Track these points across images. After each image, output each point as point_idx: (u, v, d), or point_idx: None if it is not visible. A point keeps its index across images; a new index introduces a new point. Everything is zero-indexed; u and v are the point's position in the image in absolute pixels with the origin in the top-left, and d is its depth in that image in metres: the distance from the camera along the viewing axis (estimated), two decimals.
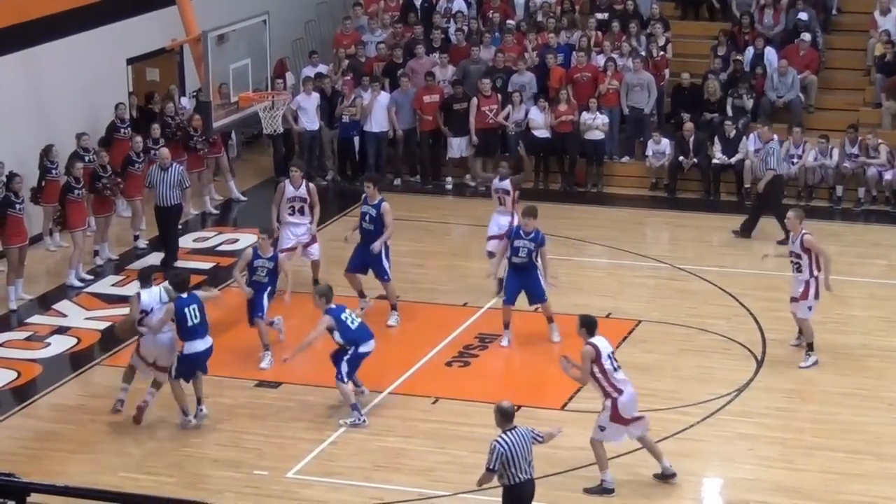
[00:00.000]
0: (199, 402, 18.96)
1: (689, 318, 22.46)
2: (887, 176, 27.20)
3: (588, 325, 17.40)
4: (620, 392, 17.06)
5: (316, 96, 28.72)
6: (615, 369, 17.12)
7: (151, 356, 19.18)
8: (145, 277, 19.80)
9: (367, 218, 22.07)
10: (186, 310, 18.60)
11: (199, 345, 18.77)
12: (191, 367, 18.78)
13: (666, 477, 17.47)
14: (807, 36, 29.11)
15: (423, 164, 29.40)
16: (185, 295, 18.78)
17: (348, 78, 29.14)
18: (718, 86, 28.71)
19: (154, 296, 19.29)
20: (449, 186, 29.08)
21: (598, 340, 17.23)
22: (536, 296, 21.34)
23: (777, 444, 18.43)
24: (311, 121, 28.72)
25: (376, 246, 21.80)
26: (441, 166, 29.38)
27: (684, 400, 19.65)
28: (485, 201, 26.36)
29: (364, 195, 22.36)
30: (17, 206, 23.24)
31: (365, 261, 22.11)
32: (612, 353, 17.29)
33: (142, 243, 25.43)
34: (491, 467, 15.03)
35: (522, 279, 21.21)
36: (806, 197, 27.72)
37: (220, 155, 27.63)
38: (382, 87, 29.09)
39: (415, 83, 29.19)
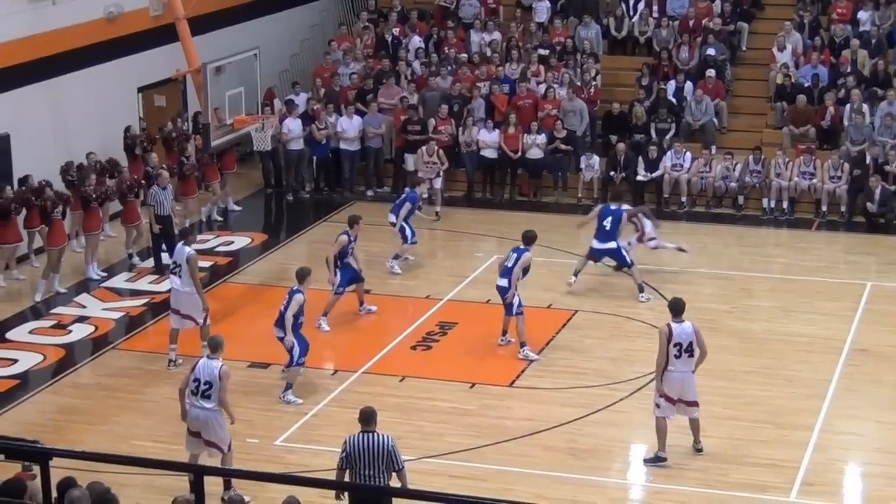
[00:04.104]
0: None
1: (617, 308, 22.47)
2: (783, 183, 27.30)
3: (671, 307, 17.23)
4: (669, 371, 16.90)
5: (299, 121, 28.61)
6: (676, 356, 16.85)
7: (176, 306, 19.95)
8: (183, 235, 20.65)
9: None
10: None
11: None
12: None
13: (658, 460, 17.27)
14: (711, 71, 29.18)
15: (394, 176, 29.29)
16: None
17: (319, 106, 28.91)
18: (643, 111, 28.75)
19: (181, 254, 19.92)
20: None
21: (675, 324, 16.97)
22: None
23: None
24: (296, 141, 28.61)
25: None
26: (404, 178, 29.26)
27: (613, 378, 19.68)
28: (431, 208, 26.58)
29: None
30: (58, 212, 23.13)
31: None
32: (689, 343, 16.87)
33: (136, 260, 25.02)
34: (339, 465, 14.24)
35: None
36: (714, 205, 27.80)
37: (217, 181, 27.36)
38: (356, 112, 29.01)
39: (383, 109, 29.15)
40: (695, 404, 17.21)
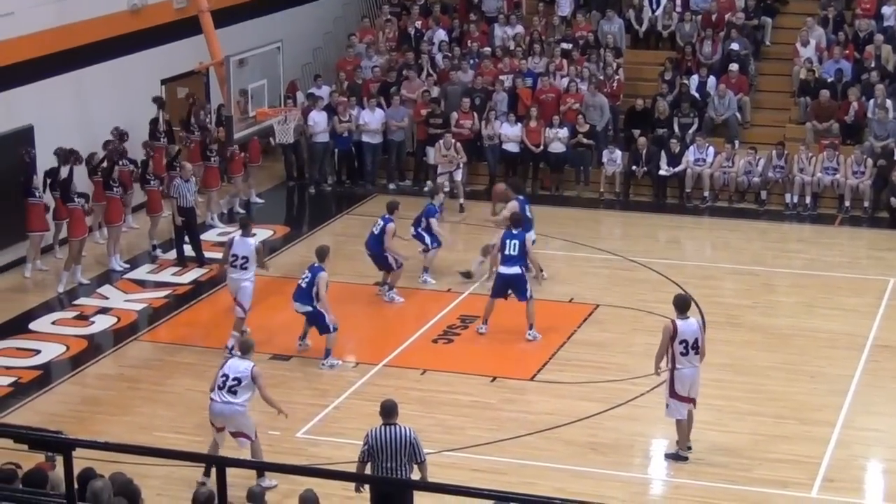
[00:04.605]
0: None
1: (639, 302, 22.41)
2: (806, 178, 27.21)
3: (675, 304, 17.13)
4: (678, 368, 16.81)
5: (324, 114, 28.61)
6: (683, 353, 16.75)
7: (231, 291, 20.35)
8: (245, 226, 20.76)
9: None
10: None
11: None
12: None
13: (678, 458, 17.24)
14: (735, 66, 29.08)
15: (415, 169, 29.29)
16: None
17: (344, 99, 28.94)
18: (666, 106, 28.68)
19: (248, 246, 20.24)
20: (427, 189, 28.66)
21: (680, 320, 16.88)
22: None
23: (714, 409, 18.38)
24: (321, 134, 28.61)
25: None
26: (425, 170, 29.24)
27: (634, 372, 19.61)
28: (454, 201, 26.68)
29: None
30: (80, 203, 23.18)
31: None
32: (695, 340, 16.77)
33: (158, 252, 25.07)
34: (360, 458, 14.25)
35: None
36: (737, 200, 27.72)
37: (240, 174, 27.36)
38: (378, 105, 29.01)
39: (405, 102, 29.14)
40: (693, 401, 17.16)
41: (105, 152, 24.60)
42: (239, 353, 16.49)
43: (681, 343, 16.79)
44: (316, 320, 19.87)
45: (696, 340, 16.86)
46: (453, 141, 27.45)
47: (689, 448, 17.27)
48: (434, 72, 30.19)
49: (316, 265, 19.80)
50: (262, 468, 15.91)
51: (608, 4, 31.33)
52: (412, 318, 21.92)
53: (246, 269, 20.30)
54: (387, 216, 22.26)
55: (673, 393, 16.96)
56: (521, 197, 22.98)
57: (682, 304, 17.14)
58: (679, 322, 16.89)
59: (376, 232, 22.25)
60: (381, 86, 29.77)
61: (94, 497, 11.01)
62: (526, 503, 8.63)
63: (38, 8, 24.26)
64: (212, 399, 16.22)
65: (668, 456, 17.30)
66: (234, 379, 16.06)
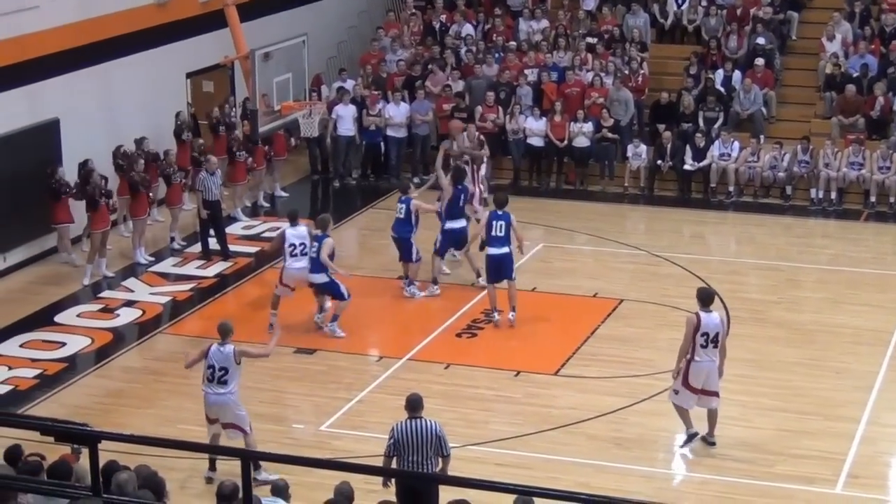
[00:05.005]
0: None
1: (664, 297, 22.37)
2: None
3: (700, 296, 17.14)
4: (696, 361, 16.83)
5: (352, 107, 28.63)
6: (703, 346, 16.77)
7: (292, 282, 20.60)
8: (293, 217, 21.00)
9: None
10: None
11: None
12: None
13: (691, 438, 17.32)
14: (760, 60, 29.00)
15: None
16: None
17: (374, 92, 29.03)
18: (692, 100, 28.61)
19: (302, 233, 20.54)
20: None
21: (704, 313, 16.90)
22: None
23: (738, 405, 18.34)
24: (347, 128, 28.63)
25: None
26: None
27: (659, 367, 19.51)
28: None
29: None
30: (104, 200, 23.23)
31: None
32: (717, 334, 16.79)
33: (176, 244, 25.09)
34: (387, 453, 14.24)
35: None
36: (762, 195, 27.64)
37: (262, 168, 27.38)
38: (402, 99, 29.02)
39: (429, 96, 29.14)
40: (715, 394, 17.14)
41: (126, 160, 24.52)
42: (219, 339, 16.26)
43: (702, 335, 16.80)
44: (331, 288, 20.39)
45: (717, 334, 16.85)
46: (477, 133, 27.38)
47: (713, 443, 17.27)
48: (458, 66, 30.16)
49: (320, 234, 20.36)
50: (285, 462, 15.86)
51: None
52: (436, 312, 21.90)
53: (307, 254, 20.55)
54: (403, 197, 22.32)
55: (685, 382, 16.98)
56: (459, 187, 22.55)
57: (706, 297, 17.14)
58: (703, 314, 16.89)
59: (402, 216, 22.22)
60: (405, 79, 29.78)
61: (119, 489, 11.03)
62: (550, 497, 8.62)
63: (63, 1, 24.32)
64: (205, 392, 16.25)
65: (685, 443, 17.32)
66: (220, 369, 16.07)
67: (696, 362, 16.87)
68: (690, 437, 17.26)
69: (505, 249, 20.95)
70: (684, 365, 16.95)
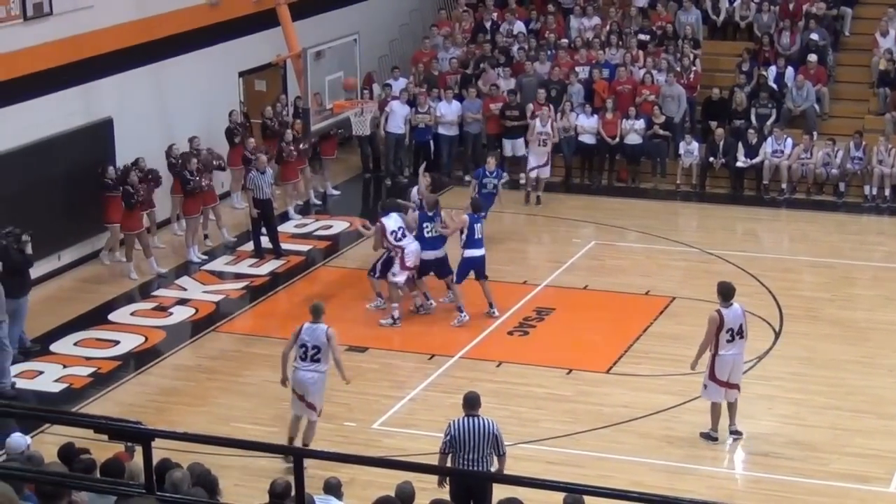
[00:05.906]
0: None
1: (716, 295, 22.16)
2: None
3: (720, 291, 17.18)
4: (721, 354, 16.91)
5: (406, 106, 28.65)
6: (728, 340, 16.88)
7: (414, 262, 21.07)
8: (386, 208, 21.50)
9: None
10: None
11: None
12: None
13: (710, 438, 17.39)
14: (813, 57, 28.80)
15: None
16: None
17: (423, 90, 29.03)
18: (744, 97, 28.47)
19: (395, 220, 21.02)
20: (504, 180, 28.58)
21: (725, 308, 16.96)
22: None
23: (792, 403, 18.28)
24: (398, 126, 28.67)
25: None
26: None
27: None
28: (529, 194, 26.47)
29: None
30: (136, 199, 23.29)
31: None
32: (740, 326, 16.93)
33: (230, 239, 25.28)
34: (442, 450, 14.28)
35: None
36: (815, 192, 27.47)
37: (304, 166, 27.41)
38: (455, 97, 29.01)
39: (481, 94, 29.12)
40: (737, 387, 17.14)
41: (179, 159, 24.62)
42: (311, 318, 16.83)
43: (727, 332, 16.90)
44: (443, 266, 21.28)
45: (740, 326, 16.97)
46: (550, 119, 27.27)
47: (738, 432, 17.42)
48: (509, 64, 30.12)
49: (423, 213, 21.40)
50: (337, 459, 15.87)
51: None
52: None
53: (399, 241, 20.98)
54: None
55: (712, 376, 17.03)
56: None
57: (727, 292, 17.15)
58: (724, 311, 16.99)
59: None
60: (460, 77, 29.79)
61: (174, 487, 11.11)
62: (603, 496, 8.60)
63: (117, 1, 24.47)
64: (296, 367, 16.61)
65: (703, 435, 17.37)
66: (314, 347, 16.63)
67: (721, 356, 17.02)
68: (708, 437, 17.33)
69: (483, 251, 21.35)
70: (709, 360, 16.97)
